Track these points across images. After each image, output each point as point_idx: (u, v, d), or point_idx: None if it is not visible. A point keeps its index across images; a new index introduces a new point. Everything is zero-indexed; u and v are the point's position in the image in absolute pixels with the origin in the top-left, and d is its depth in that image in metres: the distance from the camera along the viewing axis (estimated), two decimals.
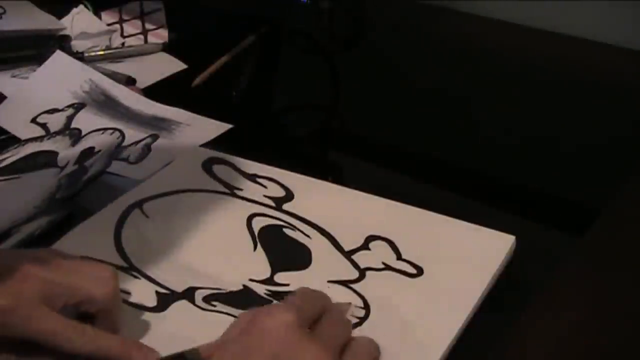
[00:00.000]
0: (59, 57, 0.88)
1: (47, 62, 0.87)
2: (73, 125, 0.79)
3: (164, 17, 1.01)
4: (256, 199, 0.67)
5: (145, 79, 0.88)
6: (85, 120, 0.79)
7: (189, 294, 0.57)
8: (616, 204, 0.67)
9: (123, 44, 0.98)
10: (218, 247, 0.62)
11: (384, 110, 0.85)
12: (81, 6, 1.01)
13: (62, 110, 0.81)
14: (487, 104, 0.84)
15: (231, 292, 0.57)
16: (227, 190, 0.68)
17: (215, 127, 0.78)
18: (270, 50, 0.98)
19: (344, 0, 0.98)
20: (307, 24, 1.00)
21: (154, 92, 0.86)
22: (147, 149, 0.75)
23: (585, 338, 0.54)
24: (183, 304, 0.56)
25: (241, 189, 0.68)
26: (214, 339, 0.49)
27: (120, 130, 0.77)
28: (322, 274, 0.59)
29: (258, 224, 0.64)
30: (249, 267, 0.60)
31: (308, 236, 0.63)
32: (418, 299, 0.57)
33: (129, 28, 1.00)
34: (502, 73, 0.90)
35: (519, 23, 0.97)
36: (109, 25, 1.00)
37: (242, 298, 0.57)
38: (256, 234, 0.63)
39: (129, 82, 0.87)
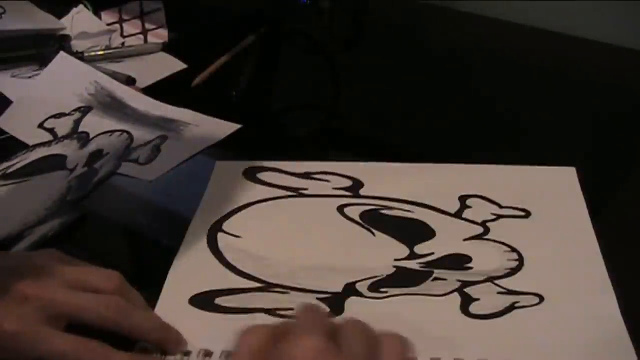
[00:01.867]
0: (62, 59, 0.87)
1: (51, 65, 0.87)
2: (80, 129, 0.78)
3: (164, 17, 1.01)
4: (329, 193, 0.66)
5: (145, 79, 0.88)
6: (92, 124, 0.79)
7: (352, 290, 0.55)
8: (616, 203, 0.67)
9: (123, 44, 0.98)
10: (333, 243, 0.60)
11: (384, 110, 0.85)
12: (81, 6, 1.00)
13: (69, 114, 0.80)
14: (487, 104, 0.84)
15: (392, 275, 0.56)
16: (293, 193, 0.66)
17: (223, 128, 0.77)
18: (270, 50, 0.98)
19: (344, 0, 0.98)
20: (307, 24, 1.00)
21: (154, 92, 0.85)
22: (157, 150, 0.74)
23: None
24: (354, 300, 0.54)
25: (306, 189, 0.66)
26: (401, 324, 0.46)
27: (128, 132, 0.77)
28: (453, 235, 0.60)
29: (354, 212, 0.63)
30: (384, 251, 0.59)
31: (409, 211, 0.63)
32: (545, 235, 0.59)
33: (129, 28, 1.00)
34: (502, 73, 0.90)
35: (519, 23, 0.98)
36: (109, 25, 1.00)
37: (406, 277, 0.56)
38: (361, 222, 0.62)
39: (129, 82, 0.86)
